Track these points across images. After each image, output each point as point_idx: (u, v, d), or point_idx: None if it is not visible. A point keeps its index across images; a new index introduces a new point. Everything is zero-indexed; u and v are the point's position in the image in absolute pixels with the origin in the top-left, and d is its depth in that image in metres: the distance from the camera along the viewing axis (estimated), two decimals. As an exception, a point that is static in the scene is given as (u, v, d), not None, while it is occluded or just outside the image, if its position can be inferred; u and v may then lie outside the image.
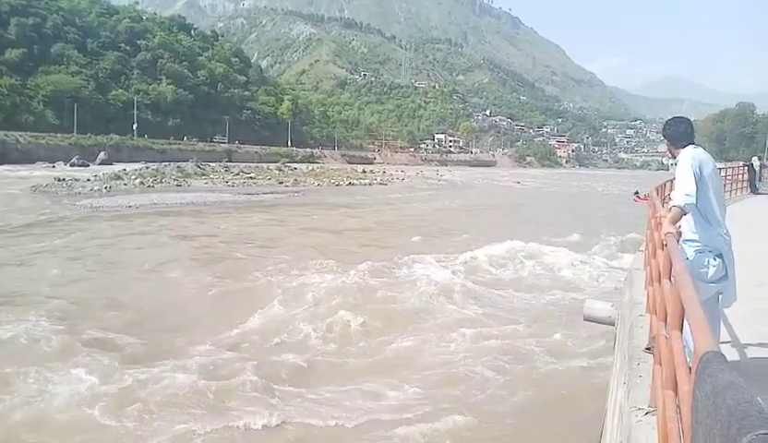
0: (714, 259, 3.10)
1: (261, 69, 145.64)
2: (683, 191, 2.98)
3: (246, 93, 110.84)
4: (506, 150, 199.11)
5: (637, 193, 35.92)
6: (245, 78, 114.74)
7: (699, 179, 3.02)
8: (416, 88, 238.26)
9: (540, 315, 9.85)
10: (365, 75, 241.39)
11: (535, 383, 6.97)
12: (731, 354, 3.37)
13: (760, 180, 20.10)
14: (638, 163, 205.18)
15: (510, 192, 53.76)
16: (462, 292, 10.73)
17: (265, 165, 64.69)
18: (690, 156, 3.12)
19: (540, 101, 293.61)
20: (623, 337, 4.75)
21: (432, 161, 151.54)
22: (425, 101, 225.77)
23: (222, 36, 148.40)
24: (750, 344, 3.54)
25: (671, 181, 10.11)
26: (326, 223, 22.21)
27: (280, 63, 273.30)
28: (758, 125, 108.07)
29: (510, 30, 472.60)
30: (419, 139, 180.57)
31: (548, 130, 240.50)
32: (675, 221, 2.98)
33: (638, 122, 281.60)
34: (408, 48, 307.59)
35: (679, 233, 2.98)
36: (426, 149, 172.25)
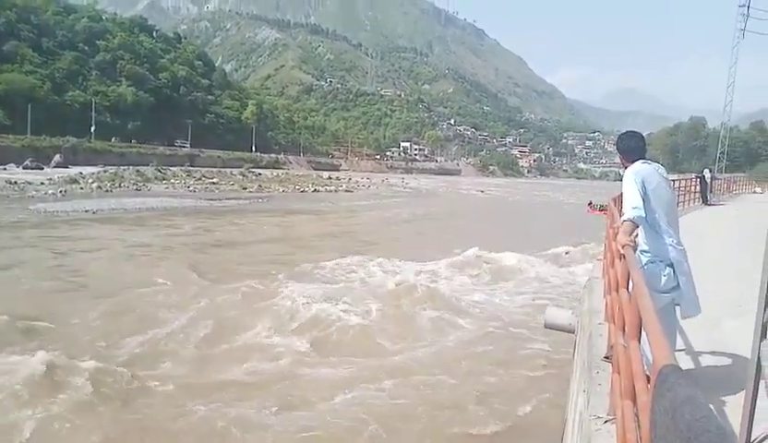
0: (666, 269, 3.17)
1: (225, 73, 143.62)
2: (630, 205, 3.08)
3: (210, 97, 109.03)
4: (470, 159, 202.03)
5: (591, 203, 36.27)
6: (208, 82, 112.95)
7: (644, 193, 3.11)
8: (382, 96, 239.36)
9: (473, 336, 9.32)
10: (330, 81, 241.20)
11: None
12: (686, 363, 3.46)
13: (711, 191, 20.92)
14: (596, 174, 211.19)
15: (473, 201, 54.51)
16: (352, 325, 9.24)
17: (228, 170, 63.73)
18: (634, 172, 3.22)
19: (503, 112, 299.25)
20: (583, 345, 4.83)
21: (398, 168, 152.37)
22: (390, 110, 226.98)
23: (186, 38, 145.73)
24: (703, 352, 3.64)
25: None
26: (255, 233, 21.49)
27: (245, 67, 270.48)
28: (708, 139, 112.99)
29: (475, 42, 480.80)
30: (385, 147, 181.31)
31: (511, 140, 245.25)
32: (628, 234, 3.05)
33: (596, 133, 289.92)
34: (374, 56, 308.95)
35: (636, 244, 3.05)
36: (391, 157, 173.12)
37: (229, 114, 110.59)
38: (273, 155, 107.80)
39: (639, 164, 3.29)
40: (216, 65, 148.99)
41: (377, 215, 32.53)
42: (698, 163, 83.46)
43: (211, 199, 36.18)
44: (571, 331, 6.76)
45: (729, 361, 3.51)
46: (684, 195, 17.77)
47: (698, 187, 19.65)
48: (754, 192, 35.68)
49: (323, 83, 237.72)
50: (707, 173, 20.67)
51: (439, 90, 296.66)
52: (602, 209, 37.15)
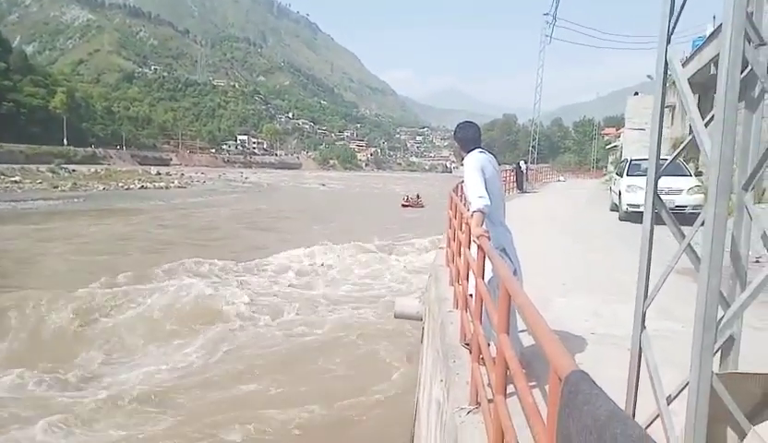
0: (503, 255, 3.26)
1: (26, 56, 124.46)
2: (477, 194, 3.13)
3: (7, 83, 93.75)
4: (310, 153, 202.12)
5: (406, 199, 37.05)
6: (4, 65, 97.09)
7: (483, 181, 3.20)
8: (215, 86, 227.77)
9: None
10: (156, 69, 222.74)
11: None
12: (529, 343, 3.66)
13: (526, 180, 23.41)
14: (427, 166, 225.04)
15: (316, 194, 54.56)
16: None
17: (35, 167, 55.58)
18: (474, 160, 3.29)
19: (340, 107, 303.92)
20: (434, 332, 4.95)
21: (235, 162, 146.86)
22: (224, 101, 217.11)
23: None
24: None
25: (461, 183, 11.10)
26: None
27: (50, 50, 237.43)
28: (519, 134, 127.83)
29: (309, 35, 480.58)
30: (220, 140, 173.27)
31: (348, 135, 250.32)
32: (479, 224, 3.11)
33: (425, 129, 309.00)
34: (204, 44, 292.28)
35: (488, 233, 3.11)
36: (228, 151, 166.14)
37: (32, 103, 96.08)
38: (90, 149, 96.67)
39: (477, 153, 3.36)
40: (13, 46, 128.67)
41: (213, 213, 30.87)
42: (511, 156, 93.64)
43: (13, 201, 31.23)
44: (419, 319, 6.98)
45: (567, 341, 3.81)
46: (506, 184, 19.59)
47: (515, 177, 21.81)
48: (558, 180, 40.91)
49: (147, 70, 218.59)
50: (522, 165, 23.06)
51: (276, 83, 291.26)
52: (413, 202, 38.19)
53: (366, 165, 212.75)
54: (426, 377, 5.04)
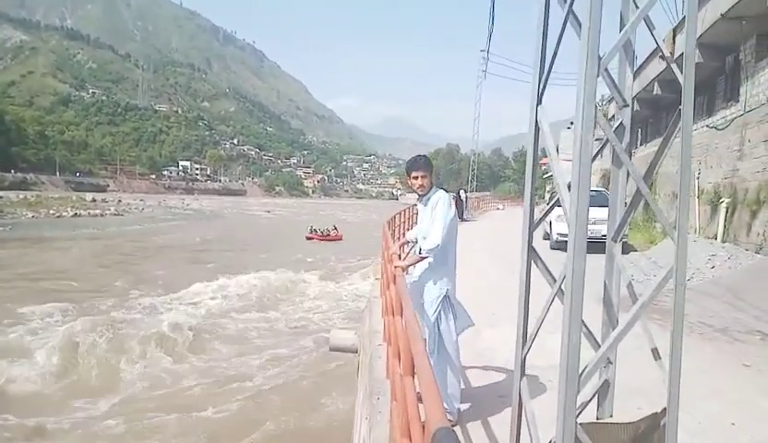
0: (447, 297, 3.23)
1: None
2: (439, 236, 3.08)
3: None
4: (256, 180, 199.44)
5: (312, 230, 34.64)
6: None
7: (450, 223, 3.18)
8: (157, 111, 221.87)
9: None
10: (94, 93, 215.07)
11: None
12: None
13: (466, 209, 23.95)
14: (374, 194, 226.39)
15: (261, 222, 53.68)
16: None
17: (-45, 194, 52.12)
18: (449, 201, 3.27)
19: (286, 134, 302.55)
20: (365, 367, 4.91)
21: (177, 189, 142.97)
22: (167, 126, 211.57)
23: None
24: (473, 367, 3.94)
25: (400, 213, 11.21)
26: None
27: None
28: (462, 163, 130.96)
29: (255, 63, 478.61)
30: (162, 166, 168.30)
31: (295, 161, 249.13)
32: (416, 261, 3.16)
33: (372, 157, 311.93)
34: (146, 69, 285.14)
35: (407, 271, 3.16)
36: (169, 177, 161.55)
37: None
38: (20, 174, 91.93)
39: (447, 193, 3.34)
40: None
41: (148, 242, 29.77)
42: (454, 184, 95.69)
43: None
44: (356, 351, 6.91)
45: (494, 373, 3.87)
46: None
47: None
48: (497, 209, 42.09)
49: (84, 94, 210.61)
50: (462, 194, 23.59)
51: (221, 109, 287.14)
52: (323, 234, 33.65)
53: (314, 192, 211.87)
54: (358, 413, 4.97)
